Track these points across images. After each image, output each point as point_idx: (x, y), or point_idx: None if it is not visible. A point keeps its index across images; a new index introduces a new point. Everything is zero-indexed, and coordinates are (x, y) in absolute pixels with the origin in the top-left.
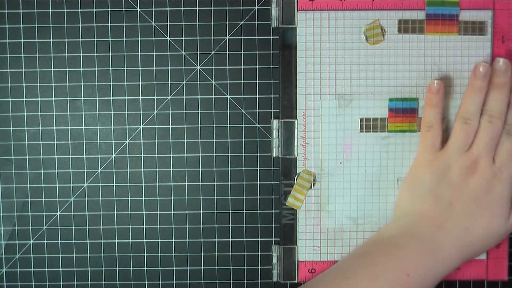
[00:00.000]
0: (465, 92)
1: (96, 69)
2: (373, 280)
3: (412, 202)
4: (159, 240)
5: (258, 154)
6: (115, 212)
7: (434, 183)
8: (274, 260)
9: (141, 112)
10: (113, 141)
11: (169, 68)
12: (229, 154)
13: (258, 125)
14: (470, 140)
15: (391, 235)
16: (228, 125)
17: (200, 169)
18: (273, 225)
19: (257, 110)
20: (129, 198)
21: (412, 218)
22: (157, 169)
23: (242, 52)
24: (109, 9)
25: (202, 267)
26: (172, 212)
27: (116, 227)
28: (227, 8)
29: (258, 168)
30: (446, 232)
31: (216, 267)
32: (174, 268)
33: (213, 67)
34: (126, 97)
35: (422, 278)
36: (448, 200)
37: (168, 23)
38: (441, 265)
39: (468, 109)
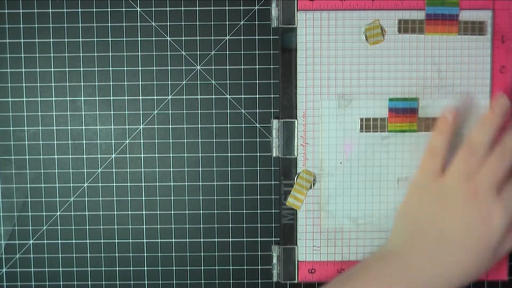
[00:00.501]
0: (478, 121)
1: (96, 69)
2: None
3: (406, 227)
4: (159, 240)
5: (258, 154)
6: (115, 212)
7: (431, 210)
8: (274, 260)
9: (141, 112)
10: (113, 141)
11: (169, 68)
12: (229, 154)
13: (258, 125)
14: (474, 169)
15: (381, 257)
16: (228, 125)
17: (200, 169)
18: (273, 225)
19: (257, 110)
20: (129, 198)
21: (404, 243)
22: (157, 169)
23: (242, 52)
24: (109, 9)
25: (202, 267)
26: (172, 212)
27: (116, 227)
28: (227, 8)
29: (258, 168)
30: (435, 261)
31: (216, 267)
32: (174, 268)
33: (213, 67)
34: (126, 97)
35: None
36: (440, 228)
37: (168, 23)
38: None
39: (479, 139)
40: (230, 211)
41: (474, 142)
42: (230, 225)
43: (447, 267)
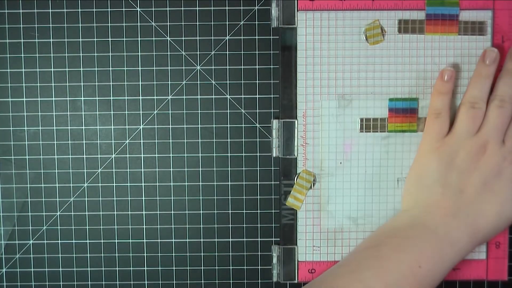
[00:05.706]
0: (472, 77)
1: (96, 69)
2: (383, 273)
3: (420, 192)
4: (159, 240)
5: (258, 154)
6: (115, 212)
7: (442, 171)
8: (274, 260)
9: (141, 112)
10: (113, 141)
11: (169, 68)
12: (229, 154)
13: (258, 125)
14: (477, 124)
15: (400, 226)
16: (228, 125)
17: (200, 169)
18: (273, 225)
19: (257, 110)
20: (129, 198)
21: (422, 209)
22: (157, 169)
23: (242, 52)
24: (109, 9)
25: (202, 267)
26: (172, 212)
27: (116, 227)
28: (227, 8)
29: (258, 168)
30: (458, 221)
31: (216, 267)
32: (174, 268)
33: (213, 67)
34: (126, 97)
35: (434, 268)
36: (457, 187)
37: (168, 23)
38: (453, 254)
39: (476, 94)
40: (230, 211)
41: (473, 98)
42: (230, 225)
43: (487, 223)
